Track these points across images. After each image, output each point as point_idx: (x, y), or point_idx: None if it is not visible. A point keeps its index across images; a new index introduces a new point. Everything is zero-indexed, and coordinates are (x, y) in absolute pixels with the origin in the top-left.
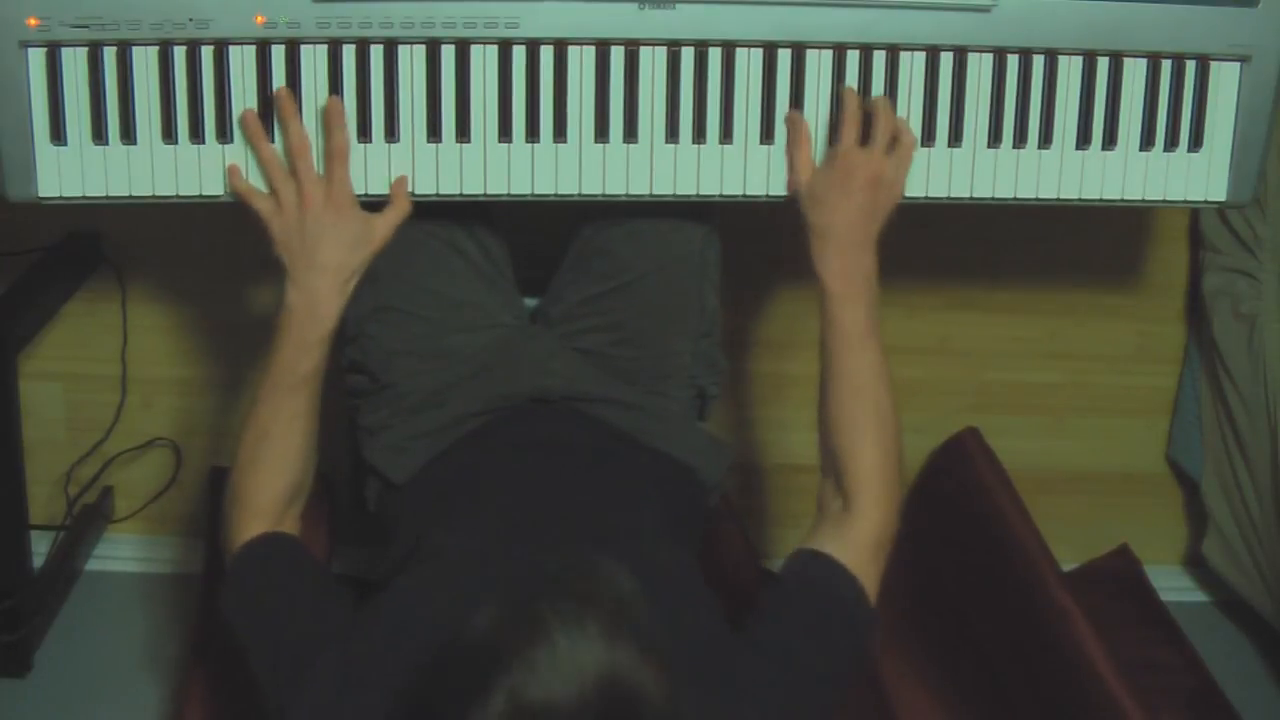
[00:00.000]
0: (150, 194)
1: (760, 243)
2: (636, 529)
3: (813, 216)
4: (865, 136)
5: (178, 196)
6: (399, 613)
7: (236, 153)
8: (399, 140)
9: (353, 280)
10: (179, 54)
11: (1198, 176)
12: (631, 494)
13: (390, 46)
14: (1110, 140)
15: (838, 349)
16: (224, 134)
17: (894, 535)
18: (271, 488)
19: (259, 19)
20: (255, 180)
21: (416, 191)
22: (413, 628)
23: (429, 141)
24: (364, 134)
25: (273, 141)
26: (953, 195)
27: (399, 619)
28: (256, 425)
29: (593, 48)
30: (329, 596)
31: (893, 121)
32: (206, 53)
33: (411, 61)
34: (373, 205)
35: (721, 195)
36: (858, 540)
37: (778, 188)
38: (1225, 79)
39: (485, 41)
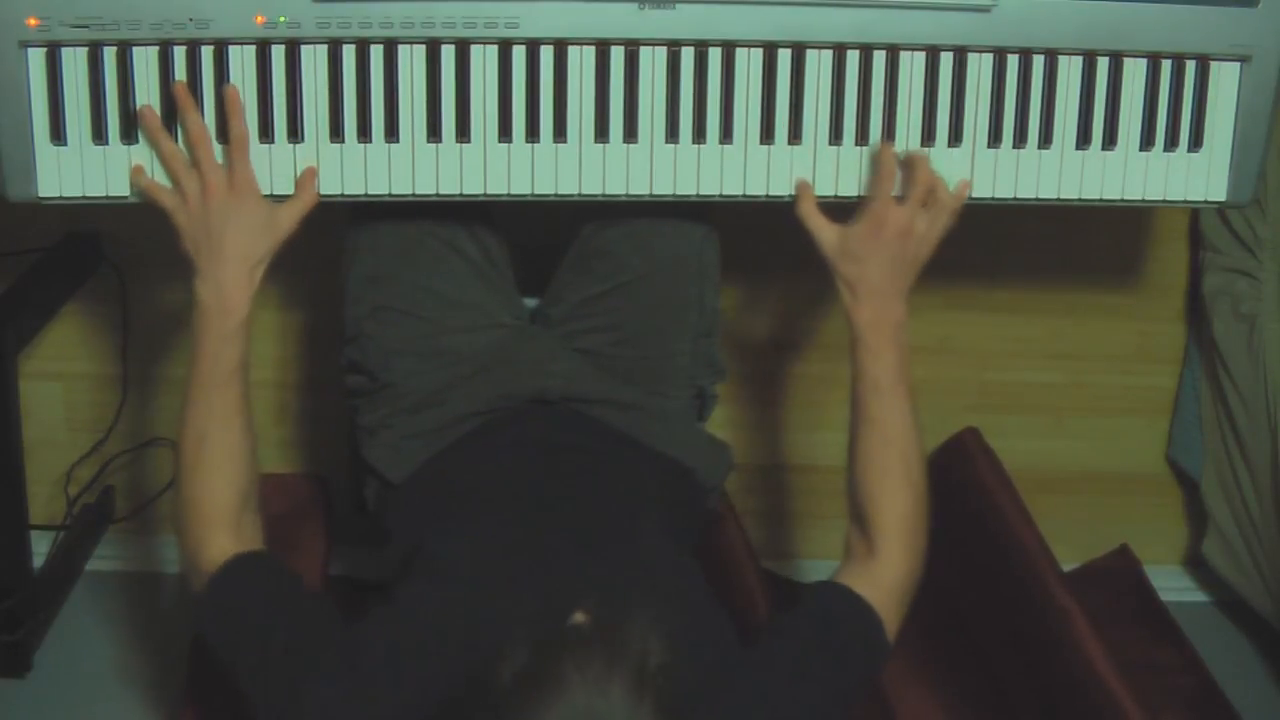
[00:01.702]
0: None
1: (760, 243)
2: (639, 537)
3: (843, 269)
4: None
5: None
6: (400, 637)
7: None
8: (399, 140)
9: (260, 268)
10: (179, 54)
11: (1198, 176)
12: (633, 498)
13: (390, 46)
14: (1110, 140)
15: (867, 397)
16: (224, 134)
17: (918, 582)
18: (221, 492)
19: (259, 19)
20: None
21: (417, 192)
22: (415, 655)
23: (429, 141)
24: (364, 134)
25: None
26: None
27: (400, 645)
28: (193, 429)
29: (593, 48)
30: (312, 615)
31: (928, 176)
32: (206, 53)
33: (411, 61)
34: (372, 205)
35: (721, 195)
36: (882, 584)
37: (778, 188)
38: (1225, 79)
39: (485, 41)
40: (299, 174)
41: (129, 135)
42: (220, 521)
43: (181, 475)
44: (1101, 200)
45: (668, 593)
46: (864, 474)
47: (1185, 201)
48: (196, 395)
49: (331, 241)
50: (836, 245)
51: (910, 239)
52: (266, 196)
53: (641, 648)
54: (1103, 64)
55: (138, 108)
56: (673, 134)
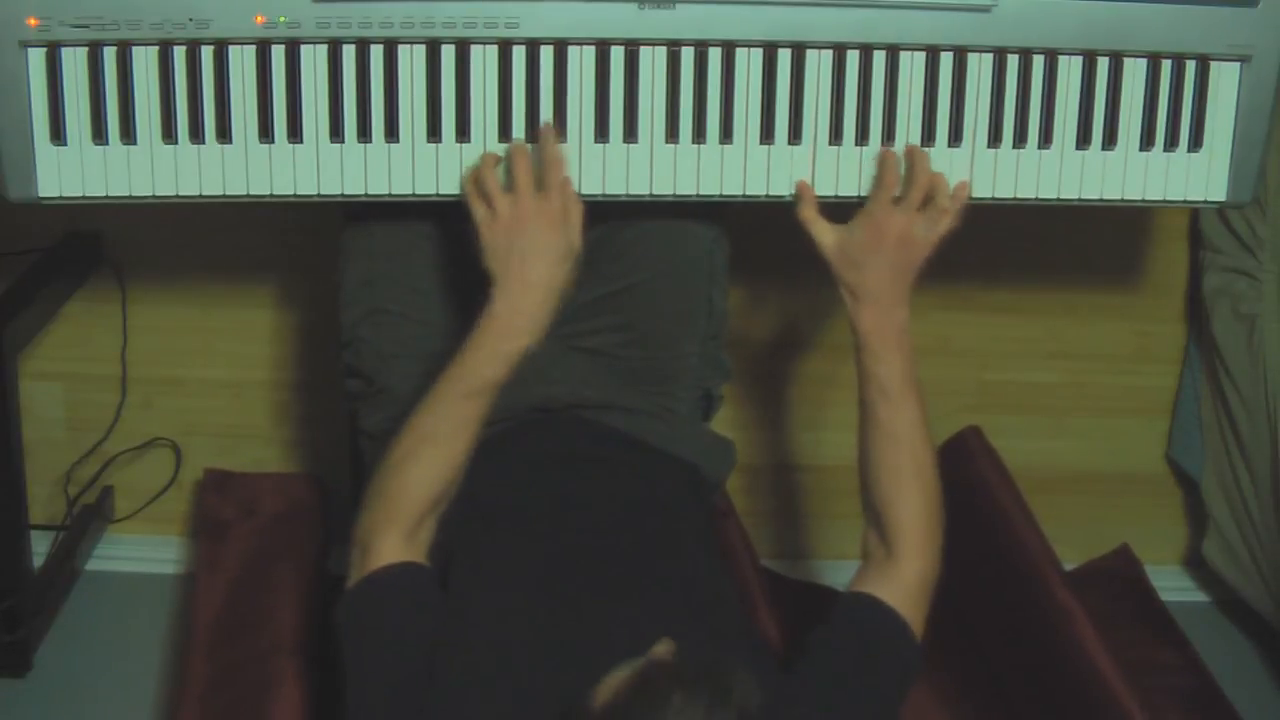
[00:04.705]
0: (150, 194)
1: (760, 243)
2: (682, 567)
3: (845, 275)
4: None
5: (178, 196)
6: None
7: (236, 153)
8: (399, 140)
9: (556, 298)
10: (179, 54)
11: (1198, 176)
12: (648, 505)
13: (390, 46)
14: (1110, 140)
15: (875, 401)
16: (224, 134)
17: (937, 578)
18: (420, 493)
19: (259, 19)
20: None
21: (417, 192)
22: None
23: (429, 141)
24: (364, 134)
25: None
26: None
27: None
28: (424, 425)
29: (593, 48)
30: (426, 659)
31: (927, 179)
32: (206, 53)
33: (411, 61)
34: (365, 207)
35: (721, 195)
36: (903, 586)
37: (778, 188)
38: (1225, 79)
39: (485, 41)
40: (550, 175)
41: (129, 135)
42: (402, 520)
43: (389, 461)
44: (1101, 200)
45: (715, 633)
46: (877, 477)
47: (1185, 201)
48: (444, 395)
49: (329, 241)
50: (836, 251)
51: (910, 244)
52: (268, 197)
53: (743, 694)
54: (1103, 64)
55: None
56: (673, 134)
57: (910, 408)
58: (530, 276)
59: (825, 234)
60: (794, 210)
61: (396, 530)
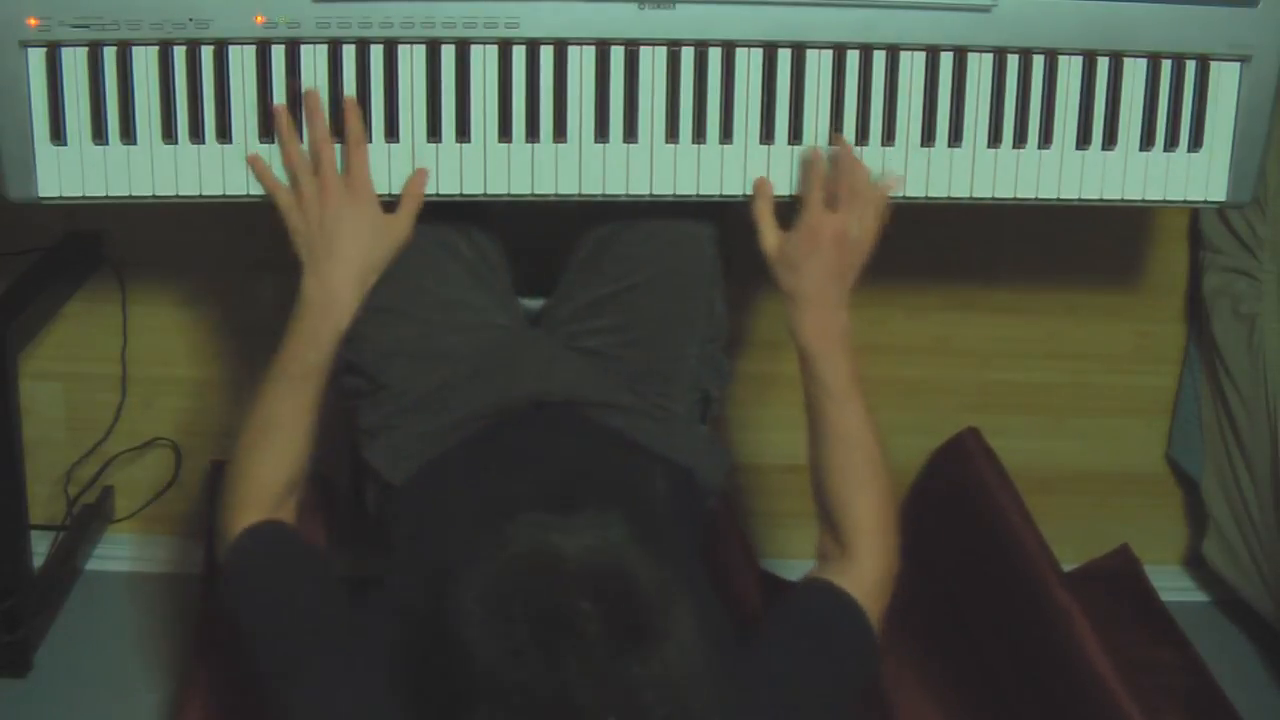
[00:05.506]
0: (150, 194)
1: (756, 242)
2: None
3: (784, 281)
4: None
5: (178, 196)
6: (391, 599)
7: (236, 153)
8: (399, 140)
9: (372, 276)
10: (179, 54)
11: (1198, 176)
12: (639, 506)
13: (390, 46)
14: (1110, 140)
15: (822, 406)
16: (224, 134)
17: (894, 575)
18: (273, 479)
19: (259, 19)
20: (277, 172)
21: None
22: (406, 601)
23: (429, 141)
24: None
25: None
26: (953, 195)
27: (392, 602)
28: (263, 415)
29: (593, 48)
30: (326, 589)
31: (851, 174)
32: (206, 53)
33: (411, 61)
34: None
35: (721, 195)
36: (861, 585)
37: (778, 188)
38: (1225, 79)
39: (485, 41)
40: (410, 176)
41: (129, 135)
42: (258, 503)
43: (239, 451)
44: (1101, 200)
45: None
46: (829, 480)
47: (1185, 201)
48: (276, 383)
49: None
50: (776, 254)
51: (846, 245)
52: (269, 197)
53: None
54: (1103, 64)
55: (274, 106)
56: (673, 134)
57: (857, 407)
58: (336, 251)
59: (770, 236)
60: (749, 204)
61: (251, 513)
